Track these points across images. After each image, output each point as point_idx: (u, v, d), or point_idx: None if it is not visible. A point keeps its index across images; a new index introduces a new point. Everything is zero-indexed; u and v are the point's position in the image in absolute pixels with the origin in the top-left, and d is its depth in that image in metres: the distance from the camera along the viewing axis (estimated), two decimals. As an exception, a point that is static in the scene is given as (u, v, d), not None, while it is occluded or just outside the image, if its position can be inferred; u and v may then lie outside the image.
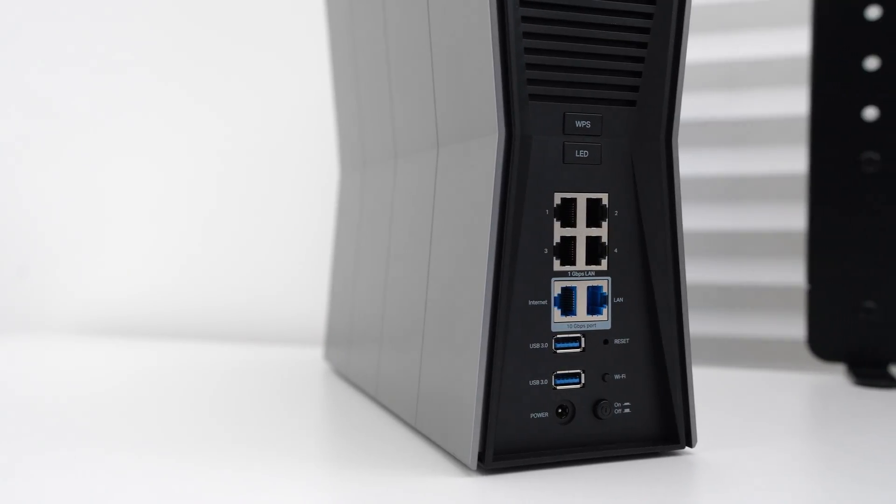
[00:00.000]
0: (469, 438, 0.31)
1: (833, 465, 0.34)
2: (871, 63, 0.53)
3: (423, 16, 0.37)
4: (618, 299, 0.33)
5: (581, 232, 0.33)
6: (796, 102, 0.61)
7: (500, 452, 0.32)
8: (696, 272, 0.63)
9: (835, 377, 0.53)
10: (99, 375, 0.54)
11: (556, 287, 0.32)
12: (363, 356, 0.46)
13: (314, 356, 0.61)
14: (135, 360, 0.60)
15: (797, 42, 0.61)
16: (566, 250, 0.33)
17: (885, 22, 0.52)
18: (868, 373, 0.51)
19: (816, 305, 0.54)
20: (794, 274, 0.60)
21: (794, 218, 0.61)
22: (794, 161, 0.61)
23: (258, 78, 0.73)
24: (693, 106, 0.64)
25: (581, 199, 0.33)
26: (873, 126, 0.53)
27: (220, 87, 0.74)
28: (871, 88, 0.53)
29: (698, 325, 0.63)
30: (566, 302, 0.33)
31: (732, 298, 0.64)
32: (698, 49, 0.64)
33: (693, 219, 0.63)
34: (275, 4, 0.72)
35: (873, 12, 0.53)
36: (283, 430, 0.39)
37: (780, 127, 0.62)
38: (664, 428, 0.34)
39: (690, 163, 0.64)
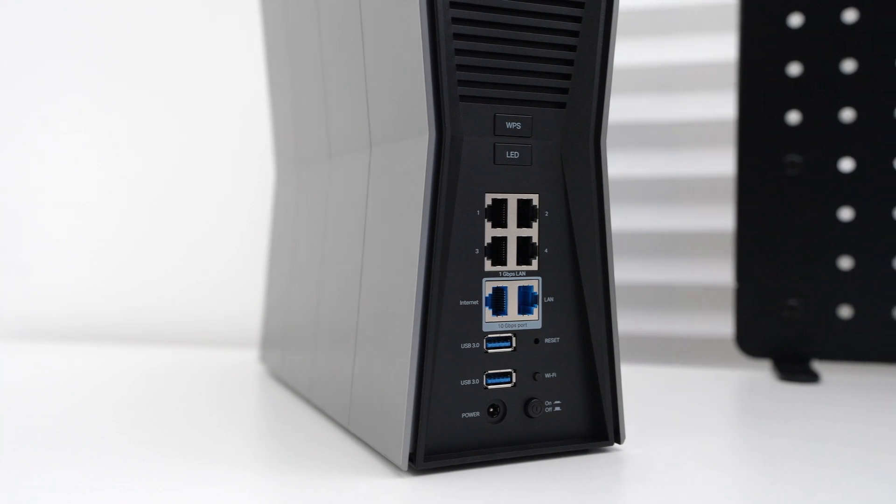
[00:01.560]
0: (400, 439, 0.31)
1: (755, 458, 0.35)
2: (794, 69, 0.55)
3: (355, 16, 0.37)
4: (548, 299, 0.34)
5: (512, 232, 0.33)
6: (725, 106, 0.63)
7: (431, 453, 0.32)
8: (629, 272, 0.64)
9: (761, 373, 0.55)
10: (29, 381, 0.52)
11: (488, 287, 0.33)
12: (298, 358, 0.46)
13: (250, 358, 0.60)
14: (66, 365, 0.58)
15: (726, 48, 0.63)
16: (497, 251, 0.33)
17: (806, 29, 0.54)
18: (791, 368, 0.53)
19: (744, 304, 0.56)
20: (723, 273, 0.62)
21: (723, 218, 0.62)
22: (724, 163, 0.63)
23: (194, 75, 0.72)
24: (627, 109, 0.65)
25: (512, 199, 0.33)
26: (796, 130, 0.55)
27: (156, 84, 0.72)
28: (794, 93, 0.55)
29: (631, 323, 0.64)
30: (497, 302, 0.33)
31: (664, 297, 0.65)
32: (633, 53, 0.65)
33: (626, 219, 0.65)
34: (210, 1, 0.71)
35: (795, 20, 0.55)
36: (217, 433, 0.38)
37: (711, 130, 0.64)
38: (594, 425, 0.35)
39: (625, 164, 0.65)
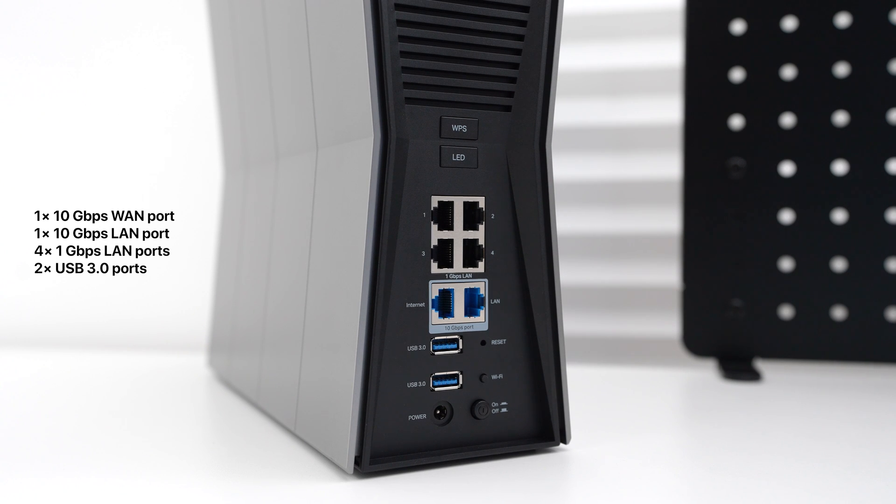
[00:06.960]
0: (346, 442, 0.31)
1: (698, 455, 0.36)
2: (737, 74, 0.56)
3: (301, 17, 0.37)
4: (495, 301, 0.34)
5: (458, 235, 0.33)
6: (671, 110, 0.64)
7: (377, 456, 0.32)
8: (578, 273, 0.65)
9: (706, 372, 0.56)
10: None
11: (434, 289, 0.33)
12: (245, 362, 0.45)
13: (198, 363, 0.59)
14: (8, 371, 0.56)
15: (672, 53, 0.64)
16: (443, 253, 0.33)
17: (748, 36, 0.56)
18: (735, 367, 0.54)
19: (690, 304, 0.57)
20: (669, 275, 0.63)
21: (670, 221, 0.63)
22: (670, 166, 0.64)
23: (142, 74, 0.70)
24: (576, 112, 0.66)
25: (458, 202, 0.33)
26: (739, 134, 0.56)
27: (102, 84, 0.71)
28: (737, 98, 0.56)
29: (579, 324, 0.65)
30: (444, 304, 0.33)
31: (611, 299, 0.66)
32: (580, 57, 0.66)
33: (575, 221, 0.65)
34: (160, 3, 0.70)
35: (738, 27, 0.56)
36: (163, 439, 0.38)
37: (657, 134, 0.65)
38: (540, 426, 0.35)
39: (573, 167, 0.66)
